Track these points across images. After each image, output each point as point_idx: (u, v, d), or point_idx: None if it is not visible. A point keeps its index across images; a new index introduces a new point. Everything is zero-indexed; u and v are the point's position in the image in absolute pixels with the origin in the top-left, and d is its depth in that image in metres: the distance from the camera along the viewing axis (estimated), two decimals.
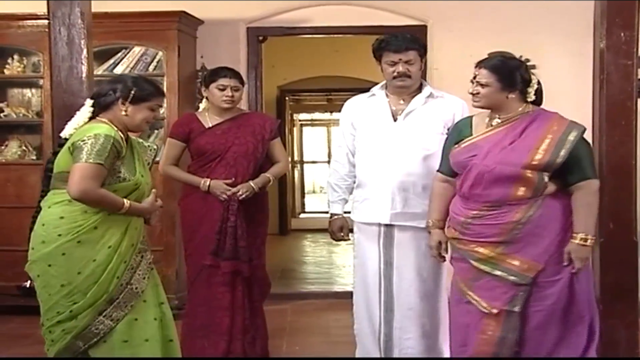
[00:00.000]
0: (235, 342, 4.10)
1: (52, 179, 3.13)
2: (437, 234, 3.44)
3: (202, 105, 4.31)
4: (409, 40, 3.70)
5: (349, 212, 3.91)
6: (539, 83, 3.29)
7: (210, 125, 4.17)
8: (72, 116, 3.20)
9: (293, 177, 11.30)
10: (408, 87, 3.72)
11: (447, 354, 3.66)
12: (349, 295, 4.07)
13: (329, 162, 11.37)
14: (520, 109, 3.24)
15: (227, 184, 4.05)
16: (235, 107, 4.24)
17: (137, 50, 5.56)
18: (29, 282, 3.18)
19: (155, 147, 3.45)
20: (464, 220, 3.24)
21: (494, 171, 3.14)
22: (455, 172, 3.34)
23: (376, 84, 3.90)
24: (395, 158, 3.69)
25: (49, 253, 3.02)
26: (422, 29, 5.76)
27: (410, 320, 3.72)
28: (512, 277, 3.16)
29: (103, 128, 3.05)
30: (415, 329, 3.72)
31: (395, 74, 3.67)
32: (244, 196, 4.04)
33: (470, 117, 3.43)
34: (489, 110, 3.30)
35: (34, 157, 5.65)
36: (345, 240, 3.98)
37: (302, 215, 11.82)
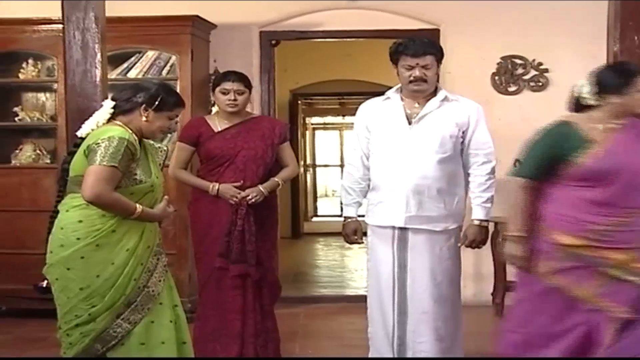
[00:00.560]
0: (247, 346, 4.10)
1: (68, 183, 3.13)
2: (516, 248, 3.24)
3: (214, 110, 4.32)
4: (427, 45, 3.70)
5: (363, 216, 3.90)
6: None
7: (220, 129, 4.16)
8: (86, 119, 3.19)
9: (305, 181, 11.32)
10: (424, 91, 3.72)
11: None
12: (361, 299, 4.07)
13: (341, 165, 11.50)
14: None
15: (236, 186, 4.05)
16: (245, 111, 4.23)
17: (151, 54, 5.58)
18: (45, 281, 3.18)
19: (165, 148, 3.45)
20: (604, 228, 3.11)
21: None
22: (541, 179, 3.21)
23: (389, 87, 3.89)
24: (409, 161, 3.68)
25: (67, 257, 3.03)
26: (435, 33, 5.73)
27: (424, 324, 3.70)
28: None
29: (117, 131, 3.05)
30: (429, 333, 3.70)
31: (411, 78, 3.66)
32: (253, 200, 4.04)
33: (567, 123, 3.22)
34: (587, 114, 3.20)
35: (48, 161, 5.67)
36: (359, 243, 3.97)
37: (314, 219, 11.85)
